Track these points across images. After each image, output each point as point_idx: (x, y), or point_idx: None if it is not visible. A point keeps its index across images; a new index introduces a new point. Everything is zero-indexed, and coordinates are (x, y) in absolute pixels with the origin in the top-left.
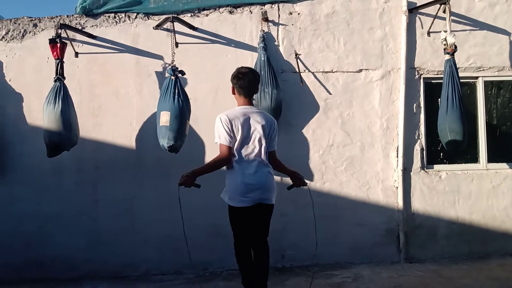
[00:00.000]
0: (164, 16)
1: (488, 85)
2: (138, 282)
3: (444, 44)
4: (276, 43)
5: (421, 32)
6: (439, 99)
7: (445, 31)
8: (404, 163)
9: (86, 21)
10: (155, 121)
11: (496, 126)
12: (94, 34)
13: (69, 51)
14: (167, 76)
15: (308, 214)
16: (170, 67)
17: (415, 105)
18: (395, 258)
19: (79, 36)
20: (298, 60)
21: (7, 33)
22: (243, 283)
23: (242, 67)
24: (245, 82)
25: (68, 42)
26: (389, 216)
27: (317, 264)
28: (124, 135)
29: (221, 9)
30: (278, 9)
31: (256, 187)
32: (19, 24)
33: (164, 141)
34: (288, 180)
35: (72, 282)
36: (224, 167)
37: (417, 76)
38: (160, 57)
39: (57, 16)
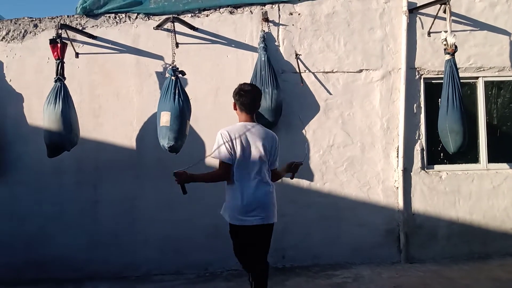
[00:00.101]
0: (164, 17)
1: (488, 85)
2: (139, 283)
3: (445, 44)
4: (276, 43)
5: (422, 32)
6: (440, 99)
7: (446, 31)
8: (405, 163)
9: (86, 21)
10: (156, 122)
11: (497, 126)
12: (95, 35)
13: (69, 52)
14: (167, 76)
15: (308, 215)
16: (170, 67)
17: (415, 105)
18: (396, 258)
19: (79, 37)
20: (298, 60)
21: (7, 34)
22: (243, 268)
23: (244, 84)
24: (247, 100)
25: (68, 42)
26: (390, 217)
27: (317, 264)
28: (125, 135)
29: (221, 10)
30: (279, 10)
31: (255, 207)
32: (19, 24)
33: (165, 142)
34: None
35: (72, 283)
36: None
37: (417, 76)
38: (160, 58)
39: (57, 17)
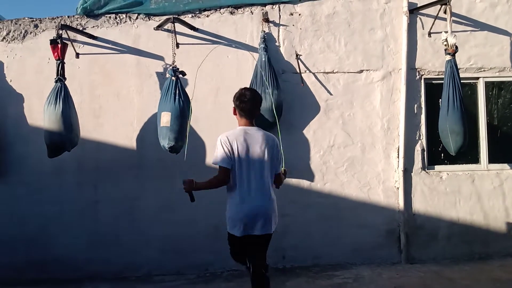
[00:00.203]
0: (165, 17)
1: (489, 85)
2: (139, 283)
3: (445, 45)
4: (277, 43)
5: (422, 33)
6: (440, 100)
7: (446, 32)
8: (405, 163)
9: (87, 21)
10: (156, 122)
11: (497, 127)
12: (95, 35)
13: (70, 52)
14: (168, 76)
15: (309, 215)
16: (171, 67)
17: (416, 105)
18: (396, 258)
19: (80, 37)
20: (299, 60)
21: (8, 34)
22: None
23: (245, 90)
24: (247, 106)
25: (69, 42)
26: (390, 217)
27: (317, 264)
28: (125, 135)
29: (222, 10)
30: (279, 10)
31: (254, 215)
32: (20, 24)
33: (165, 142)
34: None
35: (73, 283)
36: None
37: (418, 77)
38: (161, 58)
39: (58, 17)
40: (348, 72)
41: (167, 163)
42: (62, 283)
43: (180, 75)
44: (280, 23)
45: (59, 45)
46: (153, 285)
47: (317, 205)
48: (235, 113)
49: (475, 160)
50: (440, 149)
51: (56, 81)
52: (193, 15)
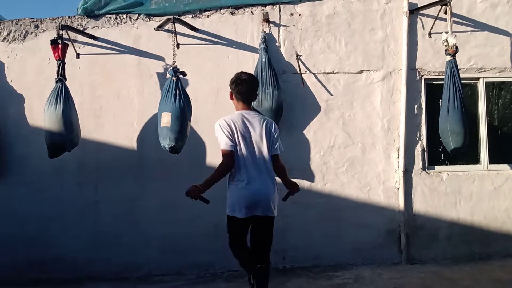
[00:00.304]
0: (165, 17)
1: (489, 86)
2: (140, 283)
3: (445, 45)
4: (277, 44)
5: (422, 33)
6: (440, 100)
7: (446, 32)
8: (405, 164)
9: (87, 22)
10: (156, 122)
11: (497, 127)
12: (96, 35)
13: (70, 52)
14: (168, 77)
15: (309, 216)
16: (171, 68)
17: (416, 106)
18: (396, 259)
19: (80, 37)
20: (299, 61)
21: (8, 34)
22: (241, 265)
23: (241, 73)
24: (243, 89)
25: (69, 43)
26: (390, 217)
27: (318, 265)
28: (125, 136)
29: (222, 10)
30: (279, 10)
31: (257, 198)
32: (20, 25)
33: (165, 142)
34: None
35: (73, 283)
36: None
37: (418, 77)
38: (161, 58)
39: (58, 17)
40: (348, 73)
41: (168, 164)
42: (62, 283)
43: (181, 76)
44: (281, 23)
45: (60, 46)
46: (153, 285)
47: (317, 206)
48: (231, 98)
49: (476, 160)
50: (440, 149)
51: (56, 82)
52: (193, 15)
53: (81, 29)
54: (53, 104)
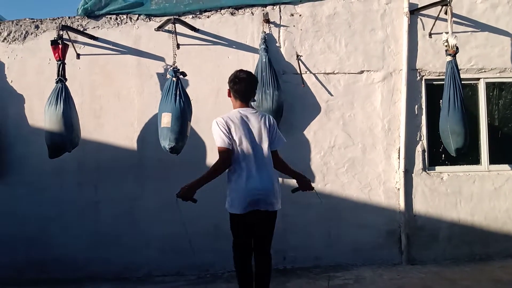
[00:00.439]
0: (165, 18)
1: (489, 86)
2: (140, 283)
3: (446, 46)
4: (277, 44)
5: (423, 34)
6: (441, 101)
7: (447, 33)
8: (406, 164)
9: (87, 22)
10: (157, 123)
11: (498, 128)
12: (96, 36)
13: (70, 53)
14: (168, 77)
15: (310, 216)
16: (171, 68)
17: (416, 106)
18: (397, 259)
19: (80, 38)
20: (299, 61)
21: (8, 35)
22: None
23: (240, 71)
24: (241, 87)
25: (69, 43)
26: (391, 218)
27: (318, 265)
28: (126, 136)
29: (222, 11)
30: (280, 11)
31: (257, 192)
32: (20, 25)
33: (166, 143)
34: (291, 182)
35: (73, 283)
36: (226, 171)
37: (418, 78)
38: (161, 59)
39: (58, 18)
40: (348, 73)
41: (168, 164)
42: (62, 283)
43: (181, 76)
44: (281, 24)
45: (60, 46)
46: (154, 285)
47: (317, 206)
48: (229, 96)
49: (476, 161)
50: (441, 150)
51: (56, 82)
52: (193, 16)
53: (81, 29)
54: (53, 105)
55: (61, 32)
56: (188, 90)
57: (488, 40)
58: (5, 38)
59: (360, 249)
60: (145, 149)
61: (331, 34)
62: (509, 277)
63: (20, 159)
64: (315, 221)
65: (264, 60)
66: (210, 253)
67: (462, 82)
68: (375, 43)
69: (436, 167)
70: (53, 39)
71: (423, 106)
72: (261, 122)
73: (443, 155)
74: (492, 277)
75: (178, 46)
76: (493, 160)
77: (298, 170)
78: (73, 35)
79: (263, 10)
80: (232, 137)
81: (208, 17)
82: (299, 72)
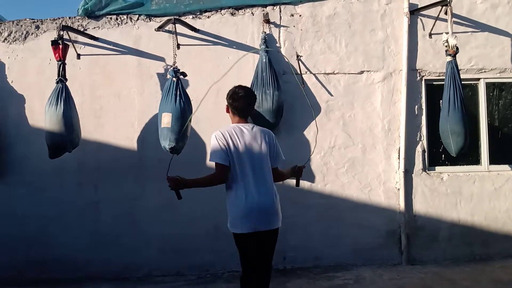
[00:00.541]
0: (165, 18)
1: (489, 86)
2: (140, 284)
3: (446, 46)
4: (277, 44)
5: (423, 34)
6: (441, 101)
7: (447, 33)
8: (406, 164)
9: (88, 22)
10: (157, 123)
11: (498, 128)
12: (96, 36)
13: (71, 53)
14: (168, 77)
15: (310, 216)
16: (171, 68)
17: (416, 106)
18: (397, 260)
19: (81, 38)
20: (299, 61)
21: (9, 35)
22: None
23: (238, 89)
24: (240, 105)
25: (70, 43)
26: (391, 218)
27: (318, 265)
28: (126, 136)
29: (222, 11)
30: (280, 11)
31: (258, 211)
32: (21, 25)
33: (166, 143)
34: (288, 182)
35: (73, 283)
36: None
37: (418, 78)
38: (161, 59)
39: (59, 18)
40: (348, 73)
41: (168, 164)
42: (62, 283)
43: (181, 76)
44: (281, 24)
45: (60, 46)
46: (154, 285)
47: (317, 206)
48: (228, 111)
49: (476, 161)
50: (441, 150)
51: (57, 82)
52: (194, 16)
53: (82, 29)
54: (53, 105)
55: (61, 32)
56: (188, 90)
57: (488, 40)
58: (5, 38)
59: (360, 249)
60: (145, 149)
61: (331, 35)
62: (509, 277)
63: (20, 159)
64: (315, 221)
65: (264, 60)
66: (210, 253)
67: (462, 82)
68: (375, 43)
69: (436, 167)
70: (53, 39)
71: (423, 106)
72: (261, 137)
73: (443, 155)
74: (492, 277)
75: (178, 46)
76: (493, 160)
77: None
78: (73, 35)
79: (263, 10)
80: (230, 152)
81: (208, 17)
82: (299, 72)
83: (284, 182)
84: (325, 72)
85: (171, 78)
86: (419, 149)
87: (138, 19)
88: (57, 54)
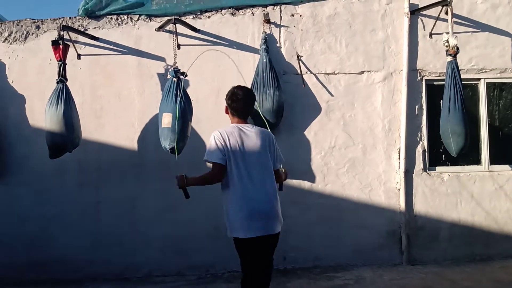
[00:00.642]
0: (166, 18)
1: (490, 86)
2: (140, 284)
3: (446, 46)
4: (278, 44)
5: (423, 34)
6: (441, 101)
7: (447, 33)
8: (406, 165)
9: (88, 23)
10: (157, 123)
11: (498, 128)
12: (97, 36)
13: (71, 53)
14: (169, 77)
15: (310, 216)
16: (172, 68)
17: (417, 106)
18: (397, 260)
19: (81, 38)
20: (300, 61)
21: (9, 35)
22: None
23: (237, 90)
24: (239, 106)
25: (70, 43)
26: (391, 218)
27: (319, 266)
28: (126, 136)
29: (223, 11)
30: (280, 11)
31: (257, 214)
32: (21, 26)
33: (166, 143)
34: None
35: (74, 284)
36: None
37: (419, 78)
38: (162, 59)
39: (59, 18)
40: (349, 73)
41: (168, 164)
42: (63, 284)
43: (181, 76)
44: (281, 24)
45: (61, 46)
46: (154, 286)
47: (318, 206)
48: (227, 112)
49: (477, 161)
50: (441, 150)
51: (57, 82)
52: (194, 16)
53: (82, 29)
54: (54, 105)
55: (62, 33)
56: (188, 90)
57: (489, 40)
58: (6, 39)
59: (360, 250)
60: (146, 150)
61: (332, 35)
62: (509, 277)
63: (21, 160)
64: (315, 222)
65: (264, 60)
66: (210, 253)
67: (463, 82)
68: (376, 43)
69: (436, 167)
70: (54, 39)
71: (424, 107)
72: (261, 139)
73: (443, 156)
74: (492, 277)
75: (178, 46)
76: (493, 160)
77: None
78: (73, 36)
79: (264, 10)
80: (228, 152)
81: (208, 17)
82: (299, 72)
83: (284, 182)
84: (325, 72)
85: (172, 78)
86: (419, 149)
87: (138, 19)
88: (57, 54)
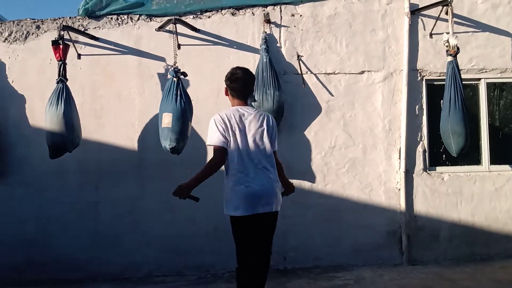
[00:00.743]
0: (166, 18)
1: (490, 86)
2: (140, 284)
3: (447, 46)
4: (278, 44)
5: (424, 34)
6: (442, 101)
7: (448, 33)
8: (407, 165)
9: (88, 22)
10: (157, 123)
11: (499, 128)
12: (97, 36)
13: (71, 53)
14: (169, 77)
15: (310, 216)
16: (172, 68)
17: (417, 106)
18: (397, 260)
19: (81, 38)
20: (300, 61)
21: (10, 35)
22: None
23: (236, 69)
24: (237, 86)
25: (70, 43)
26: (391, 218)
27: (319, 266)
28: (126, 136)
29: (223, 11)
30: (280, 11)
31: (257, 194)
32: (22, 25)
33: (166, 143)
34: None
35: (74, 284)
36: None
37: (419, 78)
38: (162, 59)
39: (59, 18)
40: (349, 73)
41: (168, 164)
42: (63, 284)
43: (182, 76)
44: (282, 24)
45: (61, 46)
46: (154, 286)
47: (318, 206)
48: (226, 94)
49: (477, 161)
50: (441, 150)
51: (57, 82)
52: (194, 16)
53: (82, 29)
54: (54, 105)
55: (62, 32)
56: (188, 90)
57: (489, 40)
58: (6, 38)
59: (360, 250)
60: (146, 150)
61: (332, 35)
62: (510, 277)
63: (21, 160)
64: (315, 222)
65: (264, 60)
66: (210, 253)
67: (463, 82)
68: (376, 43)
69: (436, 167)
70: (54, 39)
71: (424, 107)
72: (261, 121)
73: (444, 156)
74: (493, 277)
75: (179, 46)
76: (494, 160)
77: (297, 172)
78: (74, 35)
79: (264, 10)
80: (229, 134)
81: (209, 17)
82: (299, 72)
83: None
84: (325, 72)
85: (172, 78)
86: (419, 149)
87: (138, 19)
88: (57, 54)
